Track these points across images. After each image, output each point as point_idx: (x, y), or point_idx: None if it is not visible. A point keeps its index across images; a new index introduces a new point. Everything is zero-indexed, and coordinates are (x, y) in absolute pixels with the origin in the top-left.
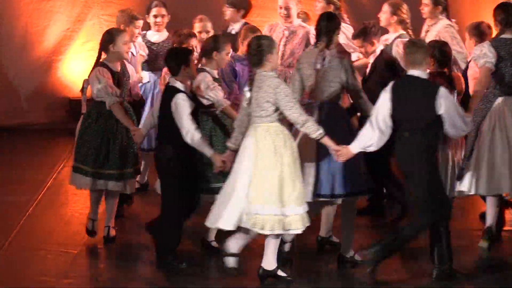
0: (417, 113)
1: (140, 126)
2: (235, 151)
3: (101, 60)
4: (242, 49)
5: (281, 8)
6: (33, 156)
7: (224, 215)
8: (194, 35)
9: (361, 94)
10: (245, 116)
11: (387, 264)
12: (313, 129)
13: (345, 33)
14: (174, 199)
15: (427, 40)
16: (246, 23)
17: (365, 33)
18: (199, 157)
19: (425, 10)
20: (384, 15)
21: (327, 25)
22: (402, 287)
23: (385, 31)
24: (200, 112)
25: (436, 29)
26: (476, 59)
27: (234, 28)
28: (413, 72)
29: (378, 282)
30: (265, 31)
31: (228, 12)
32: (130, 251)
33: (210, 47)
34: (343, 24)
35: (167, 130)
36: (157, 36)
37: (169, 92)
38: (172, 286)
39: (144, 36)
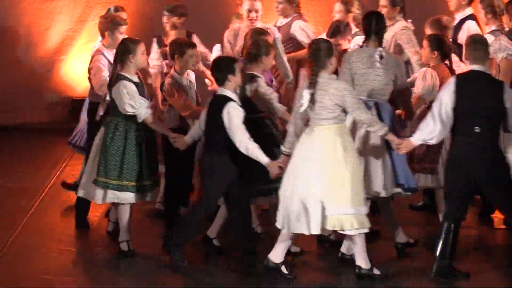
0: (485, 107)
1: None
2: (289, 156)
3: (120, 72)
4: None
5: (250, 11)
6: (35, 155)
7: (309, 220)
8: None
9: (407, 92)
10: (300, 120)
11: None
12: (379, 127)
13: (306, 30)
14: (213, 202)
15: (384, 39)
16: (299, 13)
17: (340, 31)
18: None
19: (383, 11)
20: (339, 15)
21: (378, 24)
22: (402, 286)
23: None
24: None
25: (394, 30)
26: (495, 53)
27: (283, 22)
28: (476, 67)
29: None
30: (228, 37)
31: (281, 6)
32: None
33: (257, 53)
34: (304, 23)
35: (216, 139)
36: None
37: (219, 102)
38: (172, 285)
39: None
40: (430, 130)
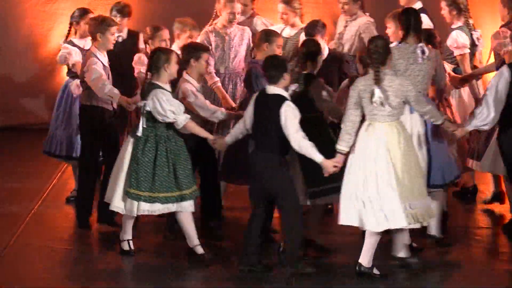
0: None
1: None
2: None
3: (154, 81)
4: (266, 52)
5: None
6: (36, 155)
7: (387, 215)
8: (161, 28)
9: (444, 85)
10: (356, 117)
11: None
12: (438, 116)
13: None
14: (294, 195)
15: (347, 35)
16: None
17: (318, 30)
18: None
19: (345, 7)
20: (286, 16)
21: (416, 19)
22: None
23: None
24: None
25: (357, 24)
26: (505, 46)
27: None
28: None
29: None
30: (202, 39)
31: (347, 6)
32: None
33: (316, 52)
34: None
35: (267, 138)
36: None
37: (273, 100)
38: (173, 285)
39: None
40: (484, 117)
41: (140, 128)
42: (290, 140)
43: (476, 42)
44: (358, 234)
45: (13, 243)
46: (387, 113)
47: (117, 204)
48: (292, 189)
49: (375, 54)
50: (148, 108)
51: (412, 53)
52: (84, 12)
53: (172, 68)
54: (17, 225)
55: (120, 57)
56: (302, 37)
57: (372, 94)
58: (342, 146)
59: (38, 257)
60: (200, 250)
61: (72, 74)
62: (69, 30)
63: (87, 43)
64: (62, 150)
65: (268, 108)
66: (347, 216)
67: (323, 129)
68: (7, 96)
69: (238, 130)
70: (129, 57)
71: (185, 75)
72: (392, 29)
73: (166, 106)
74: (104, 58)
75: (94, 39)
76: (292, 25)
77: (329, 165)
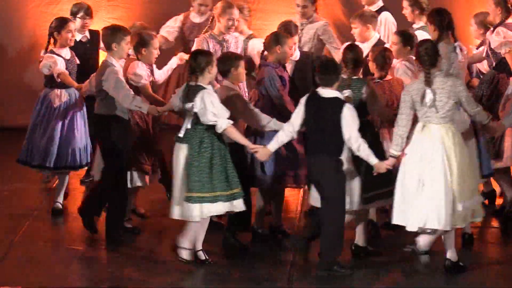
0: None
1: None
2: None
3: (199, 83)
4: (277, 54)
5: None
6: None
7: (444, 215)
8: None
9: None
10: (409, 122)
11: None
12: (485, 116)
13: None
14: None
15: (304, 38)
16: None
17: (290, 32)
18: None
19: (304, 10)
20: (237, 23)
21: (450, 19)
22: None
23: None
24: None
25: (315, 27)
26: (499, 47)
27: (373, 7)
28: None
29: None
30: (200, 45)
31: (305, 9)
32: (146, 251)
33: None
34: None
35: (324, 140)
36: None
37: (331, 103)
38: (175, 285)
39: None
40: None
41: (183, 130)
42: (351, 143)
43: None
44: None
45: (16, 244)
46: (440, 115)
47: (177, 212)
48: (343, 195)
49: (425, 57)
50: (196, 110)
51: (452, 52)
52: (64, 21)
53: (214, 70)
54: (21, 224)
55: (84, 57)
56: (252, 43)
57: (423, 96)
58: (394, 149)
59: (41, 257)
60: (202, 255)
61: (52, 83)
62: (49, 40)
63: (67, 52)
64: (38, 160)
65: (326, 111)
66: (402, 217)
67: (374, 132)
68: (10, 97)
69: (283, 136)
70: (93, 57)
71: (224, 82)
72: (358, 30)
73: (209, 108)
74: (120, 68)
75: (109, 49)
76: (241, 32)
77: (382, 167)
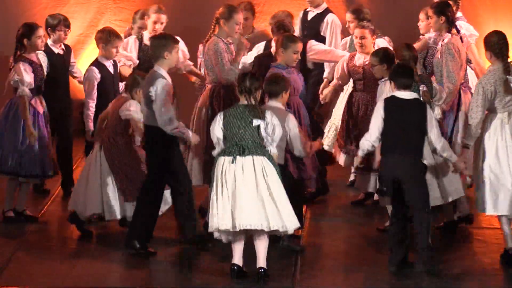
0: None
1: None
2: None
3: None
4: (282, 57)
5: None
6: None
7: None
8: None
9: None
10: (483, 114)
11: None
12: None
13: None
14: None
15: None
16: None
17: (285, 30)
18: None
19: (288, 20)
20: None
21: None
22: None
23: None
24: None
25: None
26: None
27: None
28: None
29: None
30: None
31: None
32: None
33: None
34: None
35: (410, 142)
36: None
37: (413, 105)
38: (177, 285)
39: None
40: None
41: None
42: (435, 142)
43: None
44: (359, 237)
45: (24, 243)
46: None
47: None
48: (428, 197)
49: (502, 46)
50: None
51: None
52: (33, 28)
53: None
54: (23, 226)
55: (61, 70)
56: (251, 53)
57: (506, 84)
58: (468, 141)
59: (45, 258)
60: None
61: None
62: (17, 46)
63: (38, 58)
64: (10, 167)
65: (410, 113)
66: (495, 207)
67: None
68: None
69: (367, 144)
70: (66, 70)
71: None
72: (424, 22)
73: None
74: (169, 78)
75: (159, 57)
76: (252, 30)
77: (461, 163)
